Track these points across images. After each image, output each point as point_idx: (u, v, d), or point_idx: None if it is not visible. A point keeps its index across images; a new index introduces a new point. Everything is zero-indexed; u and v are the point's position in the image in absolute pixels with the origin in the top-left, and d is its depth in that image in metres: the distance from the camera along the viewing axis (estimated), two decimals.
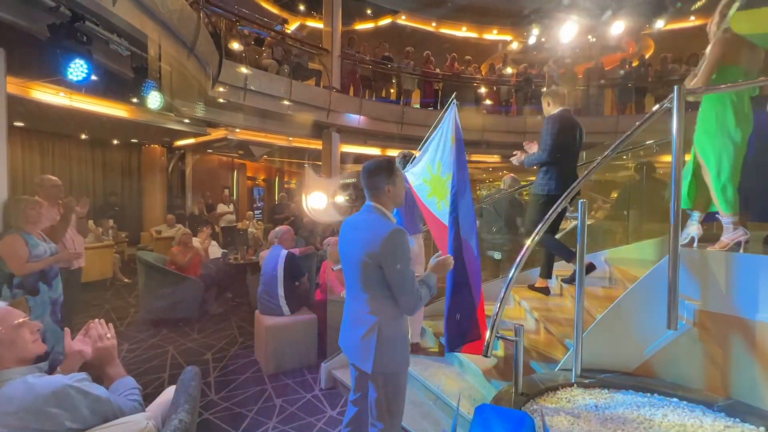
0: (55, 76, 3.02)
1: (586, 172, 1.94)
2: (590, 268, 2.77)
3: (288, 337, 3.44)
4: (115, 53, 3.55)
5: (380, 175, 1.69)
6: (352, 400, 1.90)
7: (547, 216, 2.03)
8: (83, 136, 8.29)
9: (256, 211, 13.08)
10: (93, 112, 5.60)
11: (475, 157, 10.55)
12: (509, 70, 10.68)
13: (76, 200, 3.39)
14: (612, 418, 1.58)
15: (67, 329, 1.55)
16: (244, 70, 6.36)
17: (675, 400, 1.67)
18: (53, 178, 3.28)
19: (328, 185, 6.19)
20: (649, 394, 1.73)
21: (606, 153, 1.91)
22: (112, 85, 4.03)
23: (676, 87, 1.73)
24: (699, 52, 9.15)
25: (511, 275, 1.87)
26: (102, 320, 1.55)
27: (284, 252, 3.68)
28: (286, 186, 14.53)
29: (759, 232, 2.13)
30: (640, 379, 1.82)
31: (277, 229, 4.02)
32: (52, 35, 2.87)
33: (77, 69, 2.93)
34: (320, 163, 8.49)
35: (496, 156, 10.24)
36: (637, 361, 1.91)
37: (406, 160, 3.02)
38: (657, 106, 1.84)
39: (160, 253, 7.17)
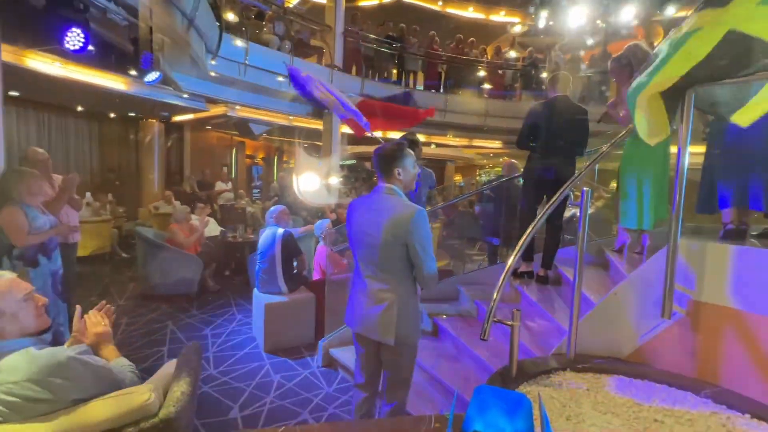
0: (51, 45, 2.94)
1: (581, 170, 1.94)
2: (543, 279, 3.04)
3: (286, 315, 3.49)
4: (113, 23, 3.45)
5: (390, 159, 1.79)
6: (359, 384, 1.96)
7: (548, 205, 2.04)
8: (80, 108, 8.14)
9: (254, 190, 13.04)
10: (89, 83, 5.48)
11: (476, 142, 10.49)
12: (513, 54, 10.49)
13: (68, 176, 3.34)
14: (603, 401, 1.62)
15: (78, 307, 1.57)
16: (244, 44, 6.22)
17: (665, 386, 1.72)
18: (39, 150, 3.19)
19: (321, 166, 6.15)
20: (639, 380, 1.77)
21: (610, 143, 1.90)
22: (109, 56, 3.92)
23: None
24: None
25: (510, 262, 1.89)
26: (96, 310, 1.58)
27: (281, 231, 3.68)
28: (285, 165, 14.42)
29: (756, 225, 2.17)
30: (632, 365, 1.87)
31: (272, 208, 4.03)
32: (49, 3, 2.78)
33: (74, 38, 2.86)
34: (320, 143, 8.40)
35: (497, 141, 10.17)
36: (631, 347, 1.95)
37: (412, 143, 3.03)
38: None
39: (158, 228, 7.19)
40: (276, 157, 14.37)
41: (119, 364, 1.55)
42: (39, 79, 5.06)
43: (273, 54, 6.79)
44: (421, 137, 9.93)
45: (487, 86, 9.52)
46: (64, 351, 1.27)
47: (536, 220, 1.90)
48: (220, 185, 9.42)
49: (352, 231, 1.88)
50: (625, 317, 1.96)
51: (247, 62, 6.24)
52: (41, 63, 4.73)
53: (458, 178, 15.85)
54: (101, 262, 6.29)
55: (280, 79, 6.80)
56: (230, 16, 6.48)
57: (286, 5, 7.89)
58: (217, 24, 5.67)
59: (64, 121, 8.13)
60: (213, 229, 6.00)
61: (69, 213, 3.40)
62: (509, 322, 1.73)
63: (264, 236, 3.73)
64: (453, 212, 10.39)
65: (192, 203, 7.75)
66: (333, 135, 8.06)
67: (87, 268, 5.70)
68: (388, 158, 1.79)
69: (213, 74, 6.05)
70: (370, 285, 1.81)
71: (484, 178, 17.40)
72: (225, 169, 10.29)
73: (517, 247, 1.93)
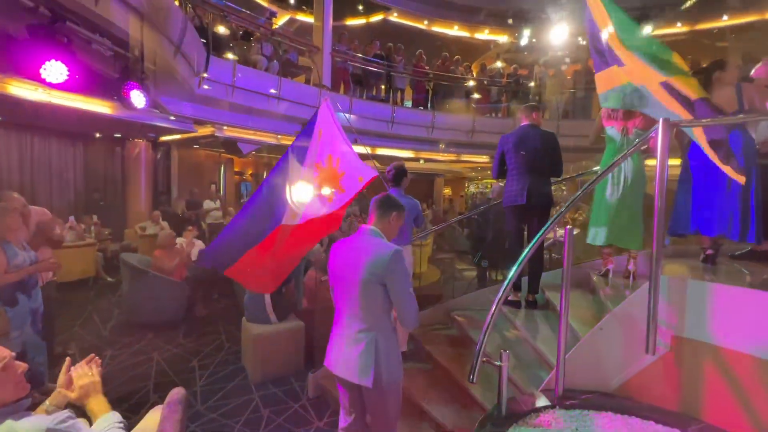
0: (33, 77, 2.90)
1: (564, 205, 1.98)
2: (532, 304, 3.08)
3: (275, 345, 3.44)
4: (98, 53, 3.43)
5: (391, 205, 1.89)
6: (344, 428, 1.93)
7: (540, 233, 2.07)
8: (64, 130, 8.03)
9: None
10: (74, 108, 5.42)
11: (464, 157, 10.63)
12: (499, 64, 10.72)
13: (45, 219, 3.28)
14: None
15: (68, 359, 1.52)
16: (231, 64, 6.23)
17: (651, 423, 1.73)
18: (15, 195, 3.10)
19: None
20: (627, 416, 1.79)
21: (587, 185, 1.95)
22: (94, 84, 3.90)
23: (661, 119, 1.77)
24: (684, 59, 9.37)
25: (500, 293, 1.88)
26: (85, 362, 1.53)
27: None
28: None
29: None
30: (620, 401, 1.88)
31: None
32: (31, 36, 2.76)
33: (56, 72, 2.83)
34: None
35: (485, 156, 10.30)
36: (618, 381, 1.97)
37: (402, 172, 3.08)
38: (644, 137, 1.89)
39: (145, 250, 7.05)
40: (265, 173, 14.31)
41: (107, 422, 1.49)
42: (22, 104, 4.99)
43: (260, 75, 6.82)
44: (410, 153, 10.07)
45: (473, 102, 9.67)
46: (44, 423, 1.22)
47: (518, 261, 1.91)
48: (208, 203, 9.32)
49: (333, 272, 1.91)
50: (611, 352, 1.98)
51: (234, 84, 6.25)
52: (25, 90, 4.67)
53: (447, 191, 15.98)
54: (85, 287, 6.13)
55: (272, 91, 6.81)
56: (219, 33, 6.51)
57: (273, 27, 7.96)
58: (204, 46, 5.69)
59: (47, 141, 7.98)
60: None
61: (44, 250, 3.30)
62: (497, 363, 1.73)
63: None
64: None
65: (182, 224, 7.66)
66: None
67: (71, 294, 5.56)
68: (392, 202, 1.90)
69: (200, 96, 6.04)
70: (349, 325, 1.82)
71: (473, 189, 17.59)
72: (213, 186, 10.20)
73: (505, 284, 1.94)
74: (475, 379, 1.70)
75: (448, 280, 6.92)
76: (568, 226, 1.87)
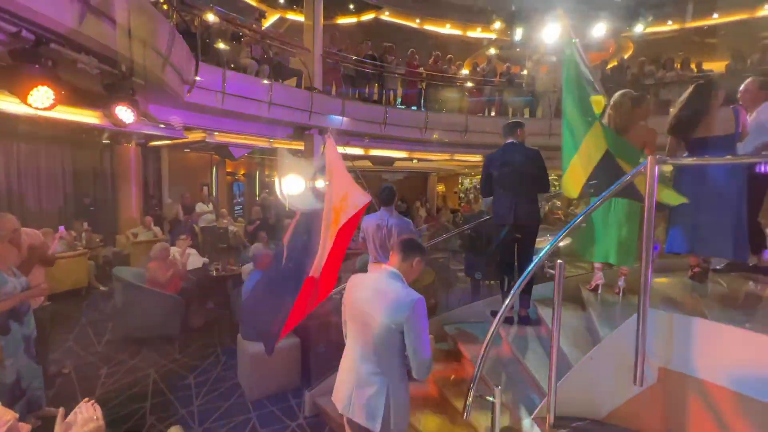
0: (18, 100, 2.85)
1: (559, 233, 2.01)
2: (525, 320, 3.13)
3: (272, 362, 3.45)
4: (84, 71, 3.37)
5: (417, 250, 1.86)
6: None
7: (537, 258, 2.10)
8: (52, 135, 7.88)
9: (237, 207, 12.87)
10: (60, 119, 5.32)
11: (458, 156, 10.64)
12: (492, 51, 10.67)
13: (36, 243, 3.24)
14: None
15: (61, 409, 1.50)
16: (221, 70, 6.14)
17: None
18: (8, 216, 3.03)
19: (306, 168, 6.05)
20: None
21: (578, 217, 1.98)
22: (82, 100, 3.83)
23: (649, 157, 1.80)
24: (675, 56, 9.39)
25: (499, 314, 1.91)
26: (91, 401, 1.51)
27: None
28: (267, 180, 14.30)
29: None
30: (609, 429, 1.94)
31: (253, 249, 3.97)
32: (15, 61, 2.70)
33: (43, 97, 2.78)
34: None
35: (478, 156, 10.32)
36: (608, 408, 2.02)
37: (393, 192, 3.08)
38: (633, 171, 1.91)
39: (137, 257, 7.00)
40: (257, 172, 14.20)
41: None
42: (5, 116, 4.89)
43: (250, 79, 6.73)
44: (403, 153, 10.05)
45: (466, 92, 9.60)
46: None
47: (513, 290, 1.95)
48: (201, 206, 9.27)
49: (349, 307, 1.89)
50: (601, 380, 2.02)
51: (224, 90, 6.16)
52: (8, 104, 4.57)
53: (441, 187, 16.00)
54: (78, 298, 6.08)
55: (265, 81, 6.72)
56: (208, 22, 6.40)
57: (263, 30, 7.83)
58: (192, 52, 5.60)
59: (33, 147, 7.84)
60: (195, 261, 5.88)
61: (36, 272, 3.26)
62: (490, 399, 1.77)
63: (247, 281, 3.70)
64: (438, 225, 10.46)
65: (178, 228, 7.61)
66: (314, 156, 8.03)
67: (63, 305, 5.51)
68: (416, 246, 1.87)
69: (190, 104, 5.96)
70: (360, 365, 1.81)
71: (467, 184, 17.66)
72: (205, 188, 10.15)
73: (501, 312, 1.97)
74: (467, 416, 1.75)
75: (442, 281, 6.97)
76: (559, 261, 1.90)
